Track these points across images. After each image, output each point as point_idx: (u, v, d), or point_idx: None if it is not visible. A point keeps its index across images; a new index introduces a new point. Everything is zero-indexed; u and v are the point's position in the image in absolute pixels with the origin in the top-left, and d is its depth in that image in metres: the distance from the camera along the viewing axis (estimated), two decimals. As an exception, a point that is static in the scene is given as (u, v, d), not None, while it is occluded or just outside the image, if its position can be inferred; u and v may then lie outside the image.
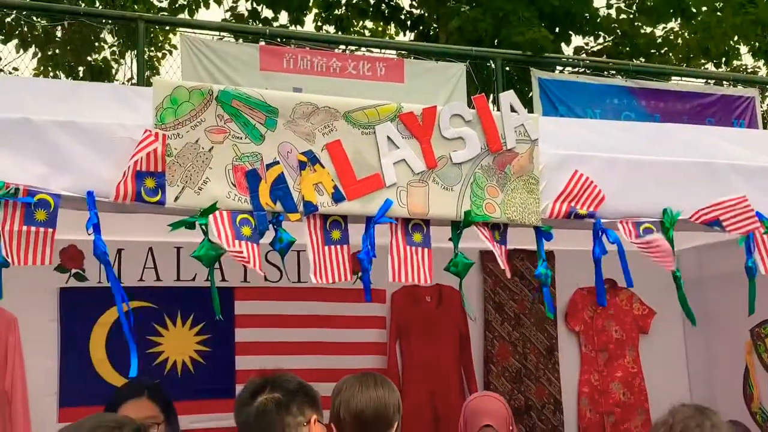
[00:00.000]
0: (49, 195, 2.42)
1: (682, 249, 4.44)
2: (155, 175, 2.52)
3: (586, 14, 11.68)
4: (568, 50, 11.77)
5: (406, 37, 13.04)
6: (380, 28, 14.43)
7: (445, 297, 4.72)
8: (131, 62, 9.04)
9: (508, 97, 3.05)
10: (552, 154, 3.08)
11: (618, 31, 12.58)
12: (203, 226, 2.57)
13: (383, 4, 12.91)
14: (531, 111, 3.36)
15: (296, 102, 2.75)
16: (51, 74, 10.69)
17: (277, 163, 2.68)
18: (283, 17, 12.57)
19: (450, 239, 2.93)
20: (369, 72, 7.82)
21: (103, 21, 8.91)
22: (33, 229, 2.41)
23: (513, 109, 3.02)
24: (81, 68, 10.88)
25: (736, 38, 12.35)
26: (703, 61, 13.19)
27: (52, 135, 2.47)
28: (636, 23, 12.69)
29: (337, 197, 2.75)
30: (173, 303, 4.25)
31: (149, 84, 4.69)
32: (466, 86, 7.93)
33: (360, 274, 2.83)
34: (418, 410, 4.47)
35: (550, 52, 9.22)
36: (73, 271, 4.09)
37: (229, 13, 12.57)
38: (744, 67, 14.51)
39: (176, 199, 2.56)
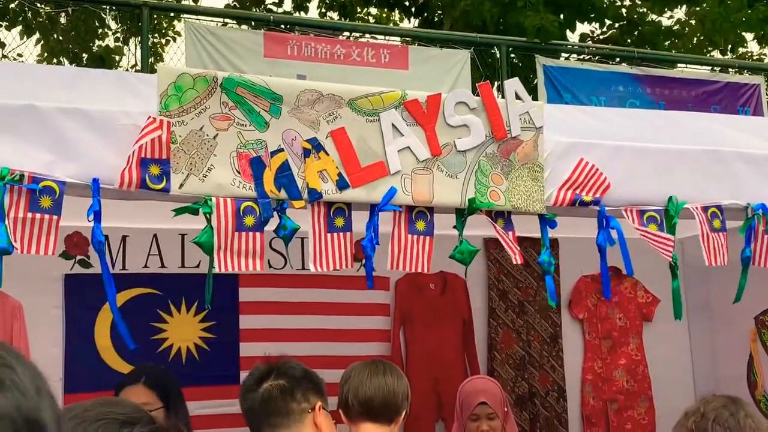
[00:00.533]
0: (54, 182, 2.42)
1: (687, 237, 4.42)
2: (160, 162, 2.52)
3: (592, 1, 11.62)
4: (573, 37, 11.72)
5: (411, 24, 13.00)
6: (384, 15, 14.38)
7: (449, 284, 4.73)
8: (135, 49, 9.02)
9: (513, 84, 3.04)
10: (556, 142, 3.08)
11: (625, 18, 12.52)
12: (206, 214, 2.57)
13: (387, -9, 12.87)
14: (536, 98, 3.36)
15: (301, 89, 2.74)
16: (55, 61, 10.68)
17: (282, 150, 2.68)
18: (287, 4, 12.56)
19: (454, 227, 2.93)
20: (373, 59, 7.79)
21: (107, 7, 8.89)
22: (38, 215, 2.41)
23: (518, 97, 3.02)
24: (85, 55, 10.87)
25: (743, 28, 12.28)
26: (709, 48, 13.12)
27: (57, 122, 2.47)
28: (640, 9, 12.63)
29: (342, 185, 2.74)
30: (178, 290, 4.27)
31: (153, 71, 4.68)
32: (470, 73, 7.90)
33: (363, 261, 2.84)
34: (422, 396, 4.48)
35: (556, 38, 9.16)
36: (78, 257, 4.10)
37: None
38: (750, 54, 14.44)
39: (181, 186, 2.56)
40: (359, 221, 2.80)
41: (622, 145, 3.21)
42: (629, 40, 12.10)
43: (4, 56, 10.29)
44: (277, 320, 4.41)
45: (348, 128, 2.77)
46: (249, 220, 2.62)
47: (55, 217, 2.43)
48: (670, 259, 3.12)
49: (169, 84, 2.58)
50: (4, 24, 10.38)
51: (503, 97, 3.02)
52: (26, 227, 2.40)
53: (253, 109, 2.67)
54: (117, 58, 11.06)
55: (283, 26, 8.00)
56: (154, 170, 2.52)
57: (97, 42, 11.12)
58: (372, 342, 4.61)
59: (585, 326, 5.09)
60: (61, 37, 10.49)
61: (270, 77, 2.78)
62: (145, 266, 4.25)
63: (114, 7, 8.60)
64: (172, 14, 10.63)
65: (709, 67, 9.64)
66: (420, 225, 2.87)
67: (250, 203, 2.62)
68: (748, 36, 12.51)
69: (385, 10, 13.94)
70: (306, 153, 2.71)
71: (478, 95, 2.98)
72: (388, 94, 2.85)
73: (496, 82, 7.90)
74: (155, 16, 10.19)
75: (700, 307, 5.07)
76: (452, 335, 4.75)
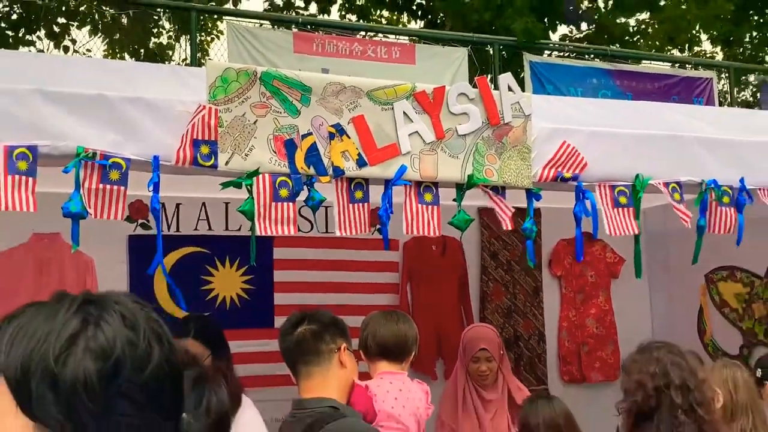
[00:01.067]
0: (121, 158, 2.42)
1: (649, 207, 4.40)
2: (209, 143, 2.51)
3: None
4: (554, 37, 11.58)
5: (417, 25, 12.87)
6: (395, 17, 14.23)
7: (448, 247, 4.72)
8: (185, 46, 8.97)
9: (507, 78, 3.01)
10: (542, 128, 3.05)
11: (597, 21, 12.36)
12: (248, 186, 2.57)
13: (397, -5, 12.73)
14: (523, 90, 3.31)
15: (327, 82, 2.72)
16: (118, 56, 10.62)
17: (311, 134, 2.67)
18: (313, 7, 12.44)
19: (454, 199, 2.92)
20: (385, 55, 7.71)
21: (161, 10, 8.83)
22: (108, 186, 2.41)
23: (510, 89, 2.99)
24: (142, 51, 10.78)
25: (698, 27, 12.11)
26: (669, 47, 12.95)
27: (123, 108, 2.47)
28: (610, 15, 12.48)
29: (361, 163, 2.73)
30: (223, 249, 4.28)
31: (200, 65, 4.66)
32: (467, 67, 7.83)
33: (378, 226, 2.84)
34: (425, 340, 4.49)
35: (540, 39, 9.07)
36: (140, 221, 4.11)
37: (267, 3, 12.43)
38: (704, 52, 14.27)
39: (227, 163, 2.55)
40: (375, 194, 2.79)
41: (597, 131, 3.17)
42: (603, 38, 11.96)
43: (75, 51, 10.25)
44: (305, 275, 4.42)
45: (366, 115, 2.75)
46: (283, 192, 2.61)
47: (122, 188, 2.44)
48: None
49: (216, 77, 2.57)
50: (75, 24, 10.32)
51: (497, 88, 3.00)
52: (98, 196, 2.41)
53: (287, 98, 2.65)
54: (169, 53, 11.00)
55: (309, 27, 7.93)
56: (204, 150, 2.51)
57: (153, 40, 11.03)
58: (384, 293, 4.62)
59: (562, 282, 5.08)
60: (122, 36, 10.41)
61: (301, 71, 2.76)
62: (196, 229, 4.26)
63: (167, 10, 8.55)
64: (216, 16, 10.53)
65: (669, 64, 9.54)
66: (428, 197, 2.86)
67: (284, 178, 2.62)
68: (703, 36, 12.34)
69: (396, 13, 13.80)
70: (331, 136, 2.69)
71: (476, 87, 2.95)
72: (400, 87, 2.83)
73: (489, 75, 7.83)
74: (202, 17, 10.12)
75: (659, 267, 5.06)
76: (451, 289, 4.76)
